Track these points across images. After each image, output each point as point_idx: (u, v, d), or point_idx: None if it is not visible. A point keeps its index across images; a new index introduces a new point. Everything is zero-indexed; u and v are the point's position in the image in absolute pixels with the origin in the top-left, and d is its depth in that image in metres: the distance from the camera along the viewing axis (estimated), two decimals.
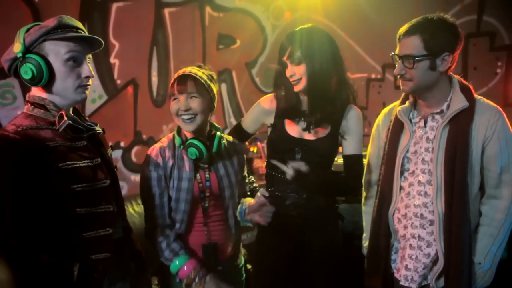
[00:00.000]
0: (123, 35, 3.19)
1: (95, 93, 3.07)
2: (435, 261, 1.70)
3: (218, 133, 1.79)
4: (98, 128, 1.51)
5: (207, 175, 1.77)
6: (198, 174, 1.76)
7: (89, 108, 3.05)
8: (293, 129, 1.88)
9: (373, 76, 4.08)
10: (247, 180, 1.96)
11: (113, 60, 3.16)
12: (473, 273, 1.67)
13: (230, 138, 1.90)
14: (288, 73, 1.80)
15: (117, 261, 1.52)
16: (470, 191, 1.66)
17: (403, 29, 1.66)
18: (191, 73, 1.71)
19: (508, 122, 1.70)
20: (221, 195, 1.77)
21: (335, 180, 1.89)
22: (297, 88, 1.81)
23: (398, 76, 1.71)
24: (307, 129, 1.85)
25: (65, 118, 1.38)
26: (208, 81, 1.75)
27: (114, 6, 3.14)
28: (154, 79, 3.37)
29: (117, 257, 1.52)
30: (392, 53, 1.70)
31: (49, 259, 1.33)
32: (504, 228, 1.66)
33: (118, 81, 3.21)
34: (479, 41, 3.64)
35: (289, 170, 1.68)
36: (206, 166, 1.79)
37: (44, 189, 1.33)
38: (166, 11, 3.43)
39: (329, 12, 4.08)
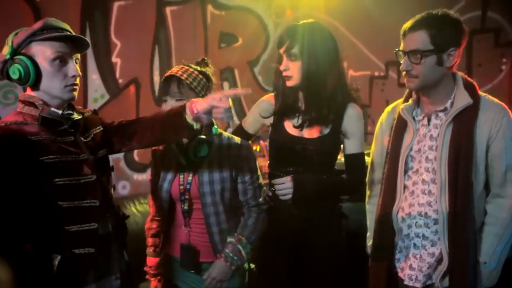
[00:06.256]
0: (124, 34, 3.18)
1: (97, 93, 3.07)
2: (439, 261, 1.69)
3: (202, 136, 1.72)
4: (76, 115, 1.51)
5: (189, 178, 1.74)
6: (182, 176, 1.76)
7: (91, 107, 3.05)
8: (292, 128, 1.87)
9: (376, 73, 4.06)
10: (251, 188, 1.79)
11: (114, 59, 3.16)
12: (478, 272, 1.65)
13: (238, 140, 1.81)
14: (282, 66, 1.79)
15: (105, 256, 1.54)
16: (474, 189, 1.64)
17: (407, 24, 1.65)
18: (176, 74, 1.69)
19: None
20: (201, 201, 1.73)
21: (336, 182, 1.88)
22: (288, 84, 1.80)
23: (403, 73, 1.69)
24: (300, 126, 1.84)
25: (40, 112, 1.43)
26: (198, 80, 1.71)
27: (116, 5, 3.14)
28: (156, 78, 3.36)
29: (104, 252, 1.53)
30: (397, 49, 1.68)
31: (30, 250, 1.37)
32: (509, 227, 1.64)
33: (120, 80, 3.20)
34: (483, 37, 3.60)
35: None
36: (191, 169, 1.75)
37: (26, 182, 1.38)
38: (168, 9, 3.42)
39: (331, 9, 4.06)
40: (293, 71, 1.76)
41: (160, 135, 1.61)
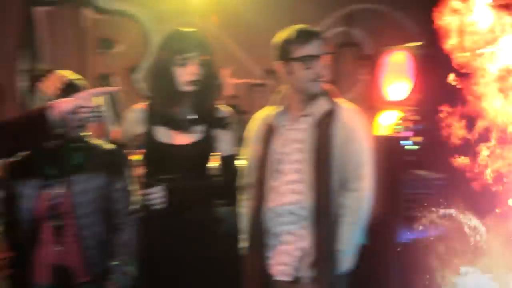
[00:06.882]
0: None
1: None
2: (307, 254, 1.83)
3: (75, 144, 1.68)
4: None
5: (58, 191, 1.67)
6: (49, 190, 1.66)
7: None
8: (165, 135, 1.88)
9: (255, 81, 4.25)
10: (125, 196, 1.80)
11: None
12: (338, 260, 1.82)
13: (111, 147, 1.80)
14: (192, 71, 1.81)
15: None
16: (334, 186, 1.83)
17: (309, 31, 1.86)
18: (76, 82, 1.67)
19: (365, 122, 1.92)
20: (75, 213, 1.67)
21: (210, 187, 1.93)
22: (191, 88, 1.83)
23: (313, 77, 1.84)
24: (183, 130, 1.86)
25: None
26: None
27: None
28: (22, 84, 3.09)
29: None
30: (307, 54, 1.82)
31: None
32: (361, 216, 1.84)
33: None
34: (347, 50, 4.02)
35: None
36: (61, 180, 1.68)
37: None
38: (39, 10, 3.19)
39: (214, 17, 4.15)
40: (199, 76, 1.82)
41: (21, 142, 1.48)
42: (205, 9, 4.08)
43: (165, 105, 1.87)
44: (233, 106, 3.44)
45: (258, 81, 4.23)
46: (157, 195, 1.77)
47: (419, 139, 2.35)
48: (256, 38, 4.02)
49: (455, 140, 1.75)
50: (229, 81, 4.20)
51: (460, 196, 1.83)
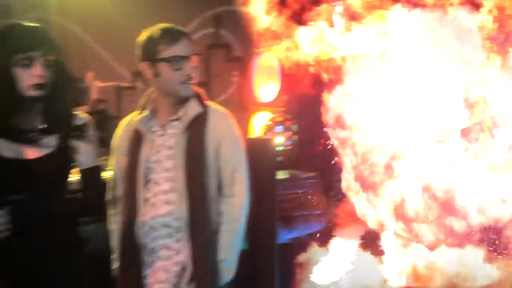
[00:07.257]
0: None
1: None
2: (185, 268, 1.74)
3: None
4: None
5: None
6: None
7: None
8: (8, 149, 1.61)
9: (123, 84, 4.02)
10: None
11: None
12: (219, 270, 1.76)
13: None
14: (37, 72, 1.56)
15: None
16: (209, 193, 1.76)
17: (176, 30, 1.76)
18: None
19: (237, 125, 1.88)
20: None
21: (69, 204, 1.72)
22: (37, 93, 1.58)
23: (183, 79, 1.74)
24: (31, 142, 1.62)
25: None
26: None
27: None
28: None
29: None
30: (172, 55, 1.72)
31: None
32: (240, 222, 1.80)
33: None
34: (218, 52, 4.03)
35: None
36: None
37: None
38: None
39: (71, 14, 3.82)
40: (46, 79, 1.58)
41: None
42: (64, 5, 3.74)
43: (6, 113, 1.59)
44: (99, 112, 3.17)
45: (127, 84, 4.00)
46: None
47: (285, 139, 2.43)
48: (122, 38, 3.79)
49: (317, 139, 1.83)
50: (94, 85, 3.90)
51: (327, 194, 1.93)
